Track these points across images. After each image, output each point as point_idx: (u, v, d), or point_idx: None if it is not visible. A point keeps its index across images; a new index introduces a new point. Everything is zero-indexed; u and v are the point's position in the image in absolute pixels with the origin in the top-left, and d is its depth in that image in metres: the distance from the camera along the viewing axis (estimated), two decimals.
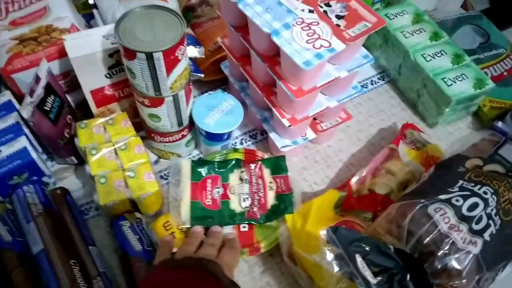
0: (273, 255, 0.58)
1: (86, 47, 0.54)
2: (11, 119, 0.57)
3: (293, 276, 0.56)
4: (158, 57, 0.47)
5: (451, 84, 0.70)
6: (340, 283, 0.45)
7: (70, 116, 0.61)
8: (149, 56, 0.47)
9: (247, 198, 0.56)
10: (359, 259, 0.44)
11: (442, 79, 0.70)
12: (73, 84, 0.63)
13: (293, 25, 0.51)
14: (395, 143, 0.65)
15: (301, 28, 0.51)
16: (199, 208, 0.55)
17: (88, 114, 0.63)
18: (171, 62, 0.49)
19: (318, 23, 0.52)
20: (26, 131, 0.58)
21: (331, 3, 0.54)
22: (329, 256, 0.46)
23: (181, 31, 0.49)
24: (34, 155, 0.56)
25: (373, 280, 0.43)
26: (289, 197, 0.57)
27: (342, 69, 0.57)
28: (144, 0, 0.58)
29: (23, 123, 0.58)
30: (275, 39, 0.50)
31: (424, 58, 0.73)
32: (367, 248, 0.46)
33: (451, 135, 0.74)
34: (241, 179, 0.58)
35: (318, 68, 0.52)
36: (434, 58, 0.73)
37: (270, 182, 0.59)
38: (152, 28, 0.49)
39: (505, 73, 0.78)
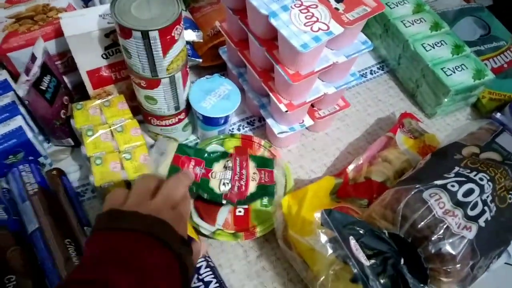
0: (269, 240, 0.58)
1: (83, 26, 0.53)
2: (7, 99, 0.57)
3: (288, 261, 0.56)
4: (154, 36, 0.47)
5: (450, 74, 0.69)
6: (333, 266, 0.45)
7: (66, 97, 0.61)
8: (145, 35, 0.47)
9: (227, 183, 0.56)
10: (352, 241, 0.44)
11: (442, 69, 0.70)
12: (70, 65, 0.63)
13: (291, 7, 0.51)
14: (393, 131, 0.65)
15: (300, 10, 0.51)
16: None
17: (84, 97, 0.63)
18: (168, 42, 0.49)
19: (316, 6, 0.51)
20: (22, 110, 0.57)
21: None
22: (323, 238, 0.45)
23: (178, 10, 0.48)
24: (29, 134, 0.55)
25: (366, 262, 0.43)
26: (271, 188, 0.57)
27: (340, 54, 0.56)
28: None
29: (19, 102, 0.58)
30: (272, 21, 0.50)
31: (424, 47, 0.72)
32: (361, 231, 0.46)
33: (449, 126, 0.74)
34: (225, 167, 0.58)
35: (315, 52, 0.51)
36: (433, 48, 0.73)
37: (254, 173, 0.58)
38: (149, 7, 0.49)
39: (505, 65, 0.78)
